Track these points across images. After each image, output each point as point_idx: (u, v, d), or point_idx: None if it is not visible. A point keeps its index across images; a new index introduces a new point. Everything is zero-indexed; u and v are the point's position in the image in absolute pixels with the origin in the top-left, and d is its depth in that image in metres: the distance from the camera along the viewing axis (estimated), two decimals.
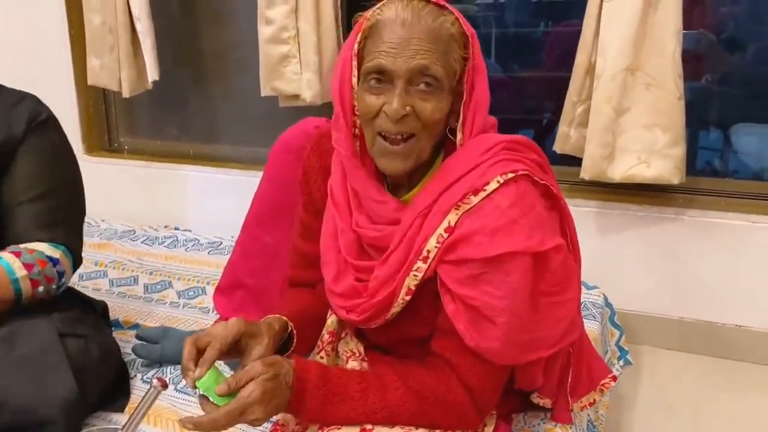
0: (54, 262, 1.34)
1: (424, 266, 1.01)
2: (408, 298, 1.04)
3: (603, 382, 1.23)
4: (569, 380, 1.17)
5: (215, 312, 1.56)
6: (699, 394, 1.77)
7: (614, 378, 1.25)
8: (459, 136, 1.01)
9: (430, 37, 0.95)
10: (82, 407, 1.23)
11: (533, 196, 1.01)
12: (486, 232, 0.96)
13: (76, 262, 1.41)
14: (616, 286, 1.92)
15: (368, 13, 1.01)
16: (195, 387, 0.97)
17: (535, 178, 1.01)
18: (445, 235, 0.99)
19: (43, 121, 1.38)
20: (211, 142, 2.60)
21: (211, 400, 0.96)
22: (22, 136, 1.35)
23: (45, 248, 1.33)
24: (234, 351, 1.02)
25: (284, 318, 1.11)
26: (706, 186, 1.95)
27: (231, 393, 0.95)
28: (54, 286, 1.34)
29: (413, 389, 1.02)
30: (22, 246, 1.32)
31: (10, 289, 1.27)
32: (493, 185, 0.97)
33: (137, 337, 1.50)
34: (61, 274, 1.36)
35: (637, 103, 1.74)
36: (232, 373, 1.01)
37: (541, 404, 1.18)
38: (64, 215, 1.41)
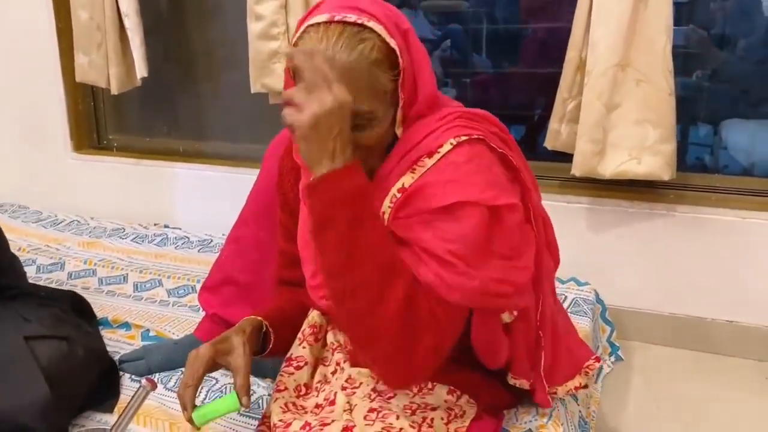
0: None
1: None
2: None
3: (587, 364, 1.23)
4: (542, 362, 1.17)
5: (202, 310, 1.55)
6: (690, 390, 1.78)
7: (597, 359, 1.25)
8: (399, 130, 1.00)
9: (348, 77, 0.89)
10: (62, 410, 1.22)
11: (489, 157, 1.00)
12: (439, 184, 0.96)
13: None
14: (607, 282, 1.92)
15: (289, 47, 0.98)
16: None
17: (492, 145, 1.01)
18: (398, 195, 0.98)
19: None
20: (201, 140, 2.58)
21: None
22: None
23: None
24: (215, 369, 1.06)
25: (258, 318, 1.12)
26: (696, 182, 1.95)
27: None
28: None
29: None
30: None
31: None
32: (446, 147, 0.97)
33: (120, 361, 1.48)
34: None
35: (628, 99, 1.73)
36: None
37: (517, 385, 1.17)
38: None
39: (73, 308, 1.49)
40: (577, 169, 1.79)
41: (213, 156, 2.51)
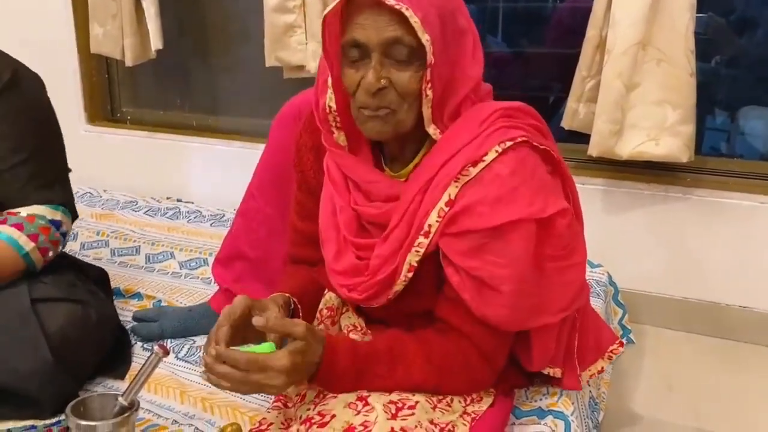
0: (56, 225, 1.34)
1: (425, 241, 1.00)
2: (410, 275, 1.03)
3: (611, 348, 1.24)
4: (575, 345, 1.16)
5: (215, 283, 1.56)
6: (701, 375, 1.77)
7: (621, 344, 1.25)
8: (427, 111, 0.99)
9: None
10: (69, 377, 1.22)
11: (534, 162, 1.00)
12: (487, 202, 0.96)
13: (74, 216, 1.41)
14: (620, 264, 1.90)
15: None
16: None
17: (535, 144, 1.00)
18: (446, 209, 0.98)
19: (9, 81, 1.32)
20: (215, 114, 2.56)
21: None
22: None
23: (45, 212, 1.32)
24: (245, 330, 1.01)
25: (287, 295, 1.11)
26: (714, 166, 1.93)
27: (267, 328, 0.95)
28: (60, 247, 1.35)
29: (435, 364, 1.02)
30: (19, 214, 1.30)
31: (23, 263, 1.28)
32: (491, 155, 0.97)
33: (134, 318, 1.49)
34: (64, 235, 1.36)
35: (648, 78, 1.71)
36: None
37: (551, 374, 1.17)
38: (55, 173, 1.40)
39: (96, 281, 1.50)
40: (594, 149, 1.77)
41: (226, 131, 2.50)
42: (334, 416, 0.95)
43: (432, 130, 1.00)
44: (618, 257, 1.92)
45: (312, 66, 2.05)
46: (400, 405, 0.98)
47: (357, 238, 1.08)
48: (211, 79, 2.59)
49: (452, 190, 0.98)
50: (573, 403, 1.23)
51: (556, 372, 1.17)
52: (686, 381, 1.74)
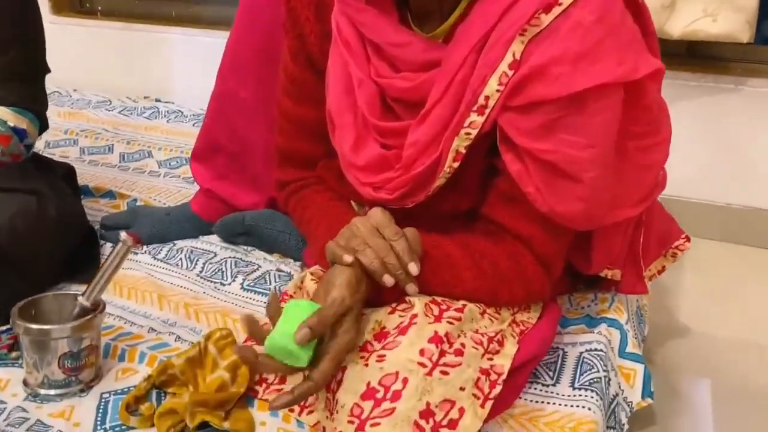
0: (20, 135, 1.12)
1: (480, 120, 0.78)
2: (456, 165, 0.82)
3: (676, 244, 1.07)
4: (641, 241, 0.98)
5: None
6: (749, 286, 1.60)
7: (688, 239, 1.09)
8: None
9: None
10: (26, 277, 1.03)
11: (620, 6, 0.77)
12: (567, 61, 0.73)
13: (43, 127, 1.20)
14: None
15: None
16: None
17: None
18: (510, 73, 0.76)
19: None
20: (195, 2, 2.33)
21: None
22: None
23: (9, 116, 1.11)
24: None
25: None
26: None
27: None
28: (21, 160, 1.15)
29: (487, 274, 0.83)
30: None
31: None
32: None
33: (102, 225, 1.27)
34: (29, 147, 1.15)
35: None
36: None
37: (610, 276, 0.98)
38: (29, 70, 1.17)
39: (64, 178, 1.30)
40: None
41: (209, 20, 2.27)
42: (363, 315, 0.77)
43: None
44: None
45: None
46: (444, 307, 0.79)
47: (382, 122, 0.85)
48: None
49: (517, 47, 0.75)
50: (626, 311, 1.06)
51: (615, 274, 1.00)
52: (733, 294, 1.57)
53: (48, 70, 1.24)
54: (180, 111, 2.03)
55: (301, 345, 0.69)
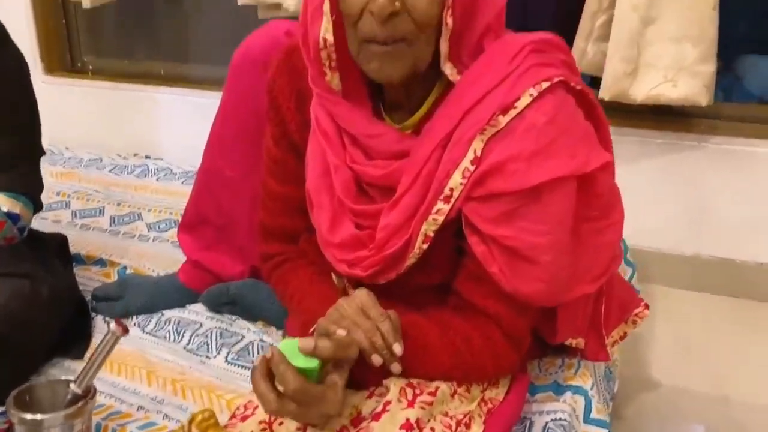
0: (14, 219, 1.17)
1: (446, 207, 0.85)
2: (425, 246, 0.88)
3: (636, 312, 1.12)
4: (602, 312, 1.04)
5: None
6: (718, 337, 1.65)
7: (647, 306, 1.14)
8: (444, 46, 0.82)
9: None
10: (21, 359, 1.07)
11: (571, 107, 0.85)
12: (522, 159, 0.81)
13: (37, 208, 1.24)
14: (629, 220, 1.70)
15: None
16: None
17: (571, 84, 0.85)
18: (472, 168, 0.82)
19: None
20: (184, 61, 2.39)
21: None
22: None
23: (3, 201, 1.15)
24: None
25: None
26: (731, 111, 1.78)
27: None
28: (15, 242, 1.19)
29: (461, 352, 0.89)
30: None
31: None
32: (525, 100, 0.81)
33: (94, 297, 1.32)
34: (22, 230, 1.19)
35: (666, 12, 1.54)
36: None
37: (574, 345, 1.04)
38: (24, 154, 1.22)
39: (57, 252, 1.35)
40: (607, 92, 1.61)
41: (198, 79, 2.31)
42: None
43: (449, 69, 0.84)
44: (627, 211, 1.75)
45: (290, 3, 1.86)
46: (418, 391, 0.85)
47: (356, 204, 0.92)
48: (180, 22, 2.41)
49: (478, 145, 0.83)
50: (591, 376, 1.11)
51: (579, 343, 1.05)
52: (703, 344, 1.63)
53: (43, 153, 1.29)
54: (169, 168, 2.08)
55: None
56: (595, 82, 1.68)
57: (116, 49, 2.52)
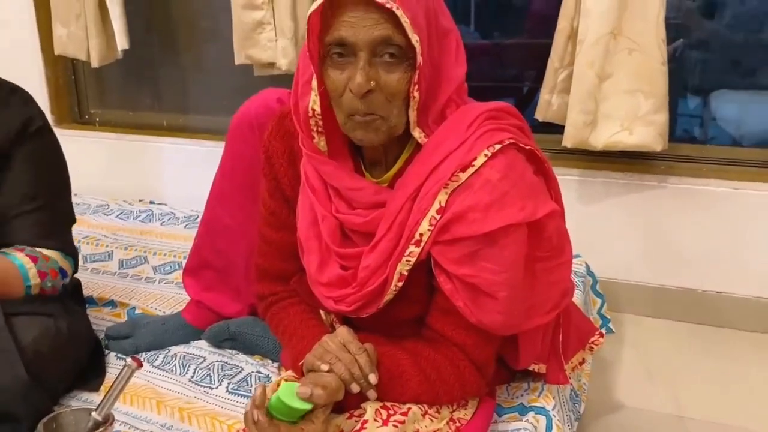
0: (63, 274, 1.34)
1: (417, 250, 0.99)
2: (401, 284, 1.02)
3: (592, 339, 1.25)
4: (560, 339, 1.17)
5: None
6: (681, 361, 1.78)
7: (602, 335, 1.27)
8: (413, 115, 0.97)
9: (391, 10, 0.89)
10: (44, 392, 1.18)
11: (522, 165, 0.99)
12: (479, 209, 0.94)
13: (74, 271, 1.41)
14: (598, 254, 1.91)
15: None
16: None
17: (521, 145, 0.99)
18: (438, 217, 0.96)
19: (39, 129, 1.34)
20: (186, 113, 2.52)
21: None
22: (15, 141, 1.30)
23: (58, 258, 1.32)
24: None
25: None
26: (687, 153, 1.94)
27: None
28: (55, 294, 1.34)
29: (431, 379, 1.02)
30: (36, 249, 1.29)
31: (22, 291, 1.27)
32: (480, 160, 0.95)
33: (107, 336, 1.46)
34: (65, 286, 1.36)
35: (620, 68, 1.71)
36: None
37: (536, 370, 1.17)
38: (66, 222, 1.40)
39: (72, 294, 1.47)
40: (569, 140, 1.77)
41: (198, 130, 2.45)
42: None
43: (417, 133, 0.98)
44: (595, 247, 1.92)
45: (282, 63, 2.02)
46: (392, 411, 0.98)
47: (341, 248, 1.05)
48: (181, 77, 2.55)
49: (442, 197, 0.96)
50: (554, 398, 1.23)
51: (541, 368, 1.18)
52: (666, 368, 1.75)
53: (74, 220, 1.45)
54: (173, 213, 2.21)
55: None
56: (561, 128, 1.84)
57: (121, 102, 2.65)
